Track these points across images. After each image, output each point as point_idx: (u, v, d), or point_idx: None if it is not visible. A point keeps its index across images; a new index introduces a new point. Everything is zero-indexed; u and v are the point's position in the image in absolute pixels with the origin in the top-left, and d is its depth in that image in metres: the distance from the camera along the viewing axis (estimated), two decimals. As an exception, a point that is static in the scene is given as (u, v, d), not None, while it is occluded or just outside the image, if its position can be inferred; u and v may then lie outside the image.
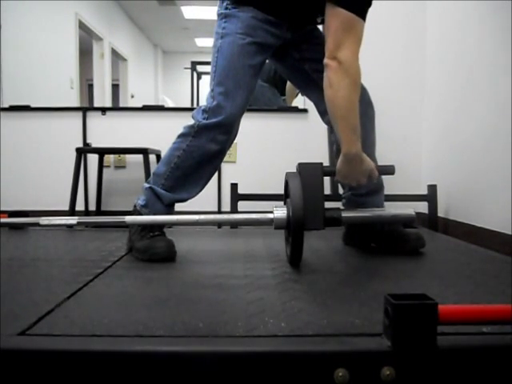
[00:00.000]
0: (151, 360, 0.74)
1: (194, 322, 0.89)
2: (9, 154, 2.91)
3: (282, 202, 1.57)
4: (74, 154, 2.63)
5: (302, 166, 1.44)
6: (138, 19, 7.20)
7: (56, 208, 2.72)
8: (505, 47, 1.85)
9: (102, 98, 5.79)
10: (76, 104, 4.80)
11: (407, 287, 1.18)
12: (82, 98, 5.98)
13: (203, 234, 2.15)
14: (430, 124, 2.73)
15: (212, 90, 1.52)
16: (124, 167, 3.03)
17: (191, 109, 2.59)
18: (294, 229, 1.32)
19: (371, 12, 1.41)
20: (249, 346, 0.78)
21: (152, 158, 2.70)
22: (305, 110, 2.88)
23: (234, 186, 2.56)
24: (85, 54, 5.50)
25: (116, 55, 6.41)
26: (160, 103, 5.56)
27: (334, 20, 1.39)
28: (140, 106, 3.12)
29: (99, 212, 2.90)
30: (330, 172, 1.51)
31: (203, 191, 1.60)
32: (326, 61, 1.39)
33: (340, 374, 0.72)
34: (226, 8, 1.52)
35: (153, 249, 1.50)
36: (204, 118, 1.50)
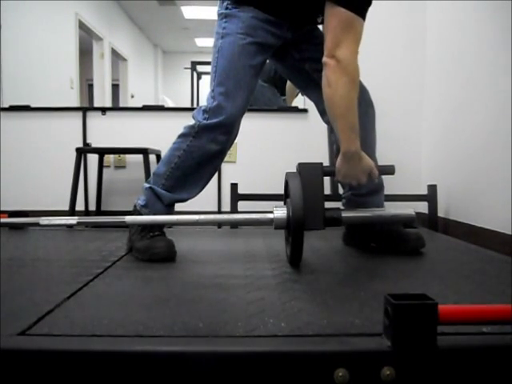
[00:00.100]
0: (151, 360, 0.74)
1: (193, 322, 0.89)
2: (9, 154, 2.92)
3: (282, 202, 1.57)
4: (73, 154, 2.63)
5: (301, 166, 1.44)
6: (138, 19, 7.20)
7: (56, 208, 2.72)
8: (505, 47, 1.85)
9: (102, 98, 5.80)
10: (76, 104, 4.80)
11: (407, 287, 1.18)
12: (82, 98, 5.99)
13: (203, 233, 2.15)
14: (430, 124, 2.73)
15: (212, 91, 1.52)
16: (124, 167, 3.03)
17: (191, 109, 2.60)
18: (294, 229, 1.32)
19: (371, 12, 1.41)
20: (249, 346, 0.78)
21: (152, 157, 2.70)
22: (305, 110, 2.88)
23: (233, 186, 2.56)
24: (85, 54, 5.50)
25: (116, 55, 6.42)
26: (160, 103, 5.56)
27: (333, 19, 1.39)
28: (140, 106, 3.12)
29: (99, 212, 2.90)
30: (329, 172, 1.51)
31: (203, 191, 1.60)
32: (324, 59, 1.40)
33: (340, 374, 0.72)
34: (227, 8, 1.52)
35: (153, 249, 1.50)
36: (204, 119, 1.50)
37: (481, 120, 2.09)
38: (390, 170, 1.52)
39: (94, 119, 2.98)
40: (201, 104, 1.56)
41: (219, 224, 2.45)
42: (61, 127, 2.97)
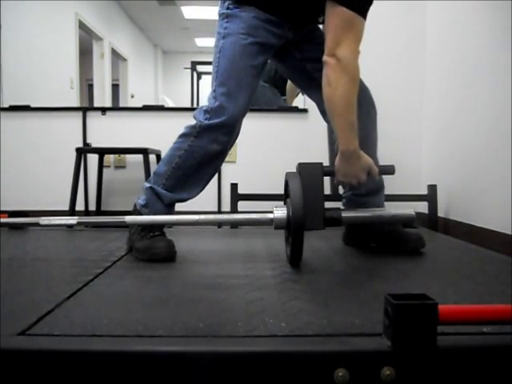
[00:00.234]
0: (151, 360, 0.74)
1: (194, 322, 0.89)
2: (9, 154, 2.92)
3: (282, 202, 1.57)
4: (73, 154, 2.64)
5: (301, 166, 1.44)
6: (138, 19, 7.21)
7: (56, 208, 2.72)
8: (505, 47, 1.85)
9: (102, 97, 5.80)
10: (76, 104, 4.80)
11: (407, 287, 1.18)
12: (82, 98, 5.99)
13: (203, 233, 2.15)
14: (430, 124, 2.73)
15: (214, 91, 1.51)
16: (124, 167, 3.03)
17: (191, 109, 2.60)
18: (294, 229, 1.32)
19: (371, 12, 1.41)
20: (249, 346, 0.78)
21: (152, 157, 2.70)
22: (305, 110, 2.88)
23: (233, 186, 2.56)
24: (85, 54, 5.50)
25: (116, 55, 6.42)
26: (160, 103, 5.56)
27: (333, 18, 1.39)
28: (140, 106, 3.12)
29: (99, 212, 2.90)
30: (329, 172, 1.51)
31: (203, 191, 1.60)
32: (324, 58, 1.40)
33: (340, 373, 0.72)
34: (228, 8, 1.52)
35: (153, 249, 1.50)
36: (206, 119, 1.50)
37: (481, 120, 2.09)
38: (389, 170, 1.52)
39: (93, 119, 2.98)
40: (201, 104, 1.56)
41: (219, 224, 2.45)
42: (61, 127, 2.97)
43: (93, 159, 2.95)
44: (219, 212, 2.90)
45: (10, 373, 0.74)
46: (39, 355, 0.75)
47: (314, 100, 1.72)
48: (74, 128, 2.96)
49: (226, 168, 2.86)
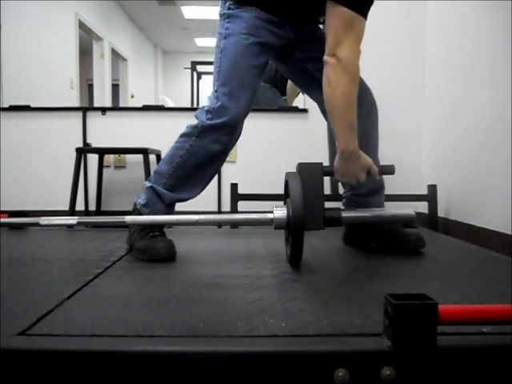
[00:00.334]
0: (151, 360, 0.74)
1: (193, 322, 0.89)
2: (9, 154, 2.92)
3: (282, 202, 1.56)
4: (73, 154, 2.63)
5: (301, 166, 1.44)
6: (138, 19, 7.21)
7: (56, 208, 2.72)
8: (505, 47, 1.85)
9: (102, 97, 5.80)
10: (76, 104, 4.80)
11: (407, 287, 1.18)
12: (82, 98, 5.99)
13: (203, 233, 2.15)
14: (430, 124, 2.73)
15: (216, 91, 1.51)
16: (124, 167, 3.03)
17: (191, 109, 2.60)
18: (294, 229, 1.32)
19: (371, 12, 1.41)
20: (249, 346, 0.78)
21: (152, 157, 2.70)
22: (305, 110, 2.88)
23: (233, 186, 2.56)
24: (85, 54, 5.50)
25: (116, 55, 6.42)
26: (160, 103, 5.56)
27: (334, 17, 1.39)
28: (140, 106, 3.12)
29: (99, 212, 2.90)
30: (330, 172, 1.51)
31: (203, 191, 1.60)
32: (325, 58, 1.40)
33: (340, 373, 0.72)
34: (229, 8, 1.52)
35: (153, 249, 1.50)
36: (208, 119, 1.50)
37: (481, 120, 2.09)
38: (390, 170, 1.52)
39: (93, 119, 2.98)
40: (201, 104, 1.55)
41: (219, 224, 2.45)
42: (61, 127, 2.97)
43: (93, 159, 2.95)
44: (219, 212, 2.90)
45: (10, 373, 0.74)
46: (39, 355, 0.75)
47: (315, 100, 1.72)
48: (74, 128, 2.96)
49: (226, 168, 2.86)
